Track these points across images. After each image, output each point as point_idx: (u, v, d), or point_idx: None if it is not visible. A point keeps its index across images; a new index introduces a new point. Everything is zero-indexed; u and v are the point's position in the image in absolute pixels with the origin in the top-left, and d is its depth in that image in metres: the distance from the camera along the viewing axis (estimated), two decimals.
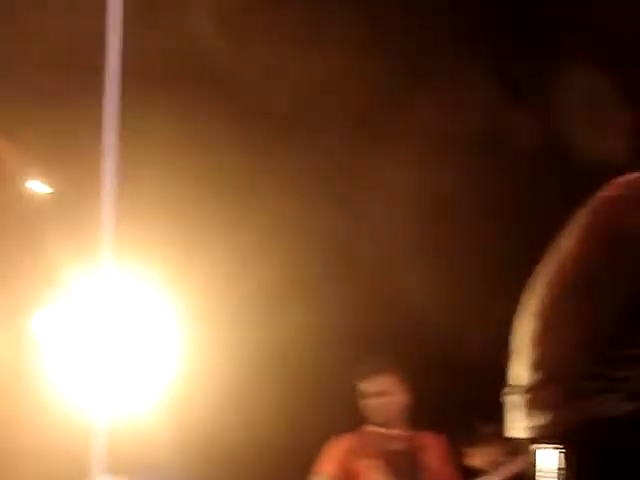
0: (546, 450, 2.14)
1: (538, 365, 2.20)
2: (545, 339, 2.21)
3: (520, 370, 2.27)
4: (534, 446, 2.19)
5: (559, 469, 2.11)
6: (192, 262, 5.03)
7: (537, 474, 2.17)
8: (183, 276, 5.11)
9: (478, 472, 4.83)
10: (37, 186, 5.16)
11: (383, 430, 4.55)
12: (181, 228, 5.03)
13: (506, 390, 2.27)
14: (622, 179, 2.23)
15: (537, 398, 2.18)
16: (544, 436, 2.15)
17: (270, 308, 5.23)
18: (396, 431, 4.54)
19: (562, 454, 2.10)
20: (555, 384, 2.15)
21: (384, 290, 5.32)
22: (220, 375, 5.14)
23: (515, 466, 4.44)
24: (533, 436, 2.17)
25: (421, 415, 4.73)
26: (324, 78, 4.50)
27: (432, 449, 4.55)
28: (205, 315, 5.18)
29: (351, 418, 4.78)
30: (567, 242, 2.27)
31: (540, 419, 2.15)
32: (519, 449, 2.25)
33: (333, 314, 5.21)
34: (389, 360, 4.63)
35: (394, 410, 4.54)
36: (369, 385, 4.55)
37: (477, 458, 4.92)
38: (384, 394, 4.54)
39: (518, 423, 2.22)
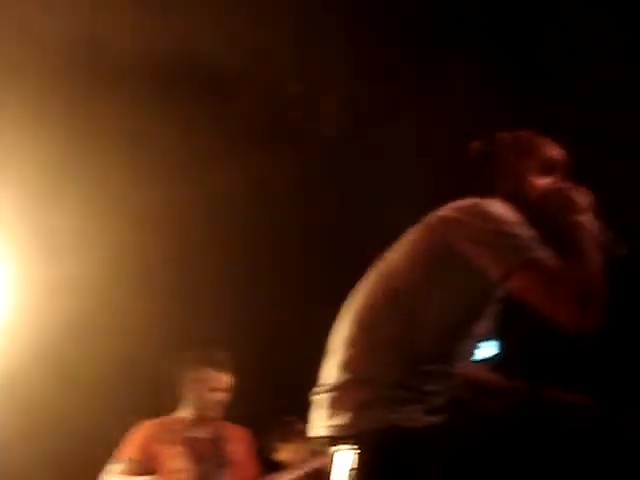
0: (342, 451, 2.18)
1: (346, 366, 2.23)
2: (358, 342, 2.24)
3: (330, 370, 2.29)
4: (333, 445, 2.22)
5: (351, 470, 2.14)
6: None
7: (333, 473, 2.20)
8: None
9: (283, 467, 4.86)
10: None
11: (189, 417, 4.48)
12: None
13: (314, 389, 2.33)
14: (459, 203, 2.33)
15: (339, 398, 2.25)
16: (342, 437, 2.23)
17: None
18: (202, 419, 4.49)
19: (356, 456, 2.18)
20: (360, 386, 2.22)
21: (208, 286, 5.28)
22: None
23: (316, 464, 4.50)
24: (332, 435, 2.25)
25: (233, 405, 4.72)
26: None
27: (237, 440, 4.54)
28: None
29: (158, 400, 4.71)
30: (395, 255, 2.31)
31: (339, 419, 2.23)
32: (320, 447, 2.32)
33: (162, 301, 5.12)
34: (230, 356, 4.57)
35: (224, 406, 4.53)
36: (213, 377, 4.48)
37: (284, 453, 4.95)
38: (224, 390, 4.49)
39: (319, 422, 2.28)
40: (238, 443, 4.53)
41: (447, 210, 2.32)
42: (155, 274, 5.05)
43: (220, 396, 4.43)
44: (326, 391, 2.29)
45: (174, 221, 4.91)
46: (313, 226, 4.97)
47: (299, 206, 4.93)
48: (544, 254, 2.16)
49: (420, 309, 2.26)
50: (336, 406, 2.24)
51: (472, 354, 2.46)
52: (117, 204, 4.70)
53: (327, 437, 2.26)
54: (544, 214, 2.38)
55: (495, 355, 6.07)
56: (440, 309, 2.27)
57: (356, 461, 2.17)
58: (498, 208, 2.26)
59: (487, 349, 6.00)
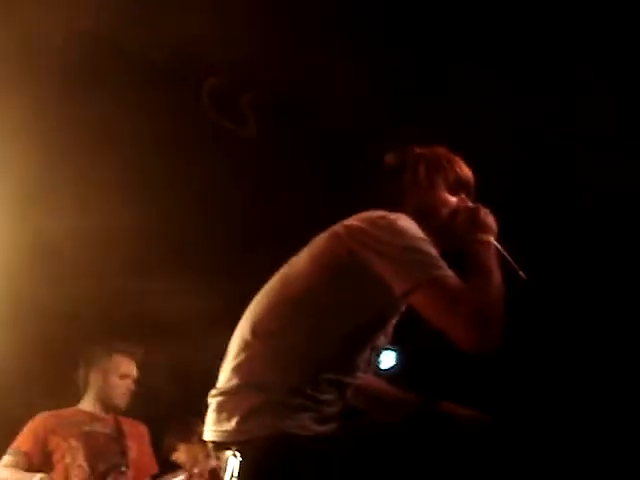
0: (230, 455, 2.22)
1: (237, 370, 2.25)
2: (252, 347, 2.26)
3: (224, 373, 2.30)
4: (222, 450, 2.24)
5: (234, 476, 2.15)
6: None
7: (224, 477, 2.21)
8: None
9: (177, 467, 4.85)
10: None
11: (90, 410, 4.42)
12: None
13: (211, 392, 2.32)
14: (367, 214, 2.34)
15: (227, 403, 2.25)
16: (228, 442, 2.22)
17: None
18: (103, 413, 4.46)
19: (240, 462, 2.19)
20: (249, 392, 2.22)
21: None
22: None
23: (206, 466, 4.50)
24: (219, 441, 2.25)
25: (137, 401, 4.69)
26: None
27: (136, 437, 4.52)
28: None
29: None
30: (299, 261, 2.33)
31: (226, 425, 2.22)
32: (214, 451, 2.32)
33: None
34: (134, 344, 4.59)
35: (129, 396, 4.51)
36: (122, 363, 4.47)
37: (181, 454, 4.94)
38: (132, 379, 4.49)
39: (209, 426, 2.29)
40: (137, 440, 4.49)
41: (354, 220, 2.31)
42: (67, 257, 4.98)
43: (128, 384, 4.41)
44: (217, 395, 2.28)
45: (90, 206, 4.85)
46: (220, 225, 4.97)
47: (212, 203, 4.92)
48: (449, 273, 2.18)
49: (321, 317, 2.26)
50: (224, 411, 2.23)
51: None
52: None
53: (215, 442, 2.26)
54: (451, 231, 2.41)
55: (393, 366, 6.17)
56: (342, 318, 2.26)
57: (238, 469, 2.17)
58: (406, 222, 2.26)
59: (385, 360, 6.13)
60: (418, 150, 2.54)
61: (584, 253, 5.35)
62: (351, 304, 2.27)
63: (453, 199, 2.48)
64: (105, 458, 4.29)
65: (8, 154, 4.47)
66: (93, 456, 4.26)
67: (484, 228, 2.37)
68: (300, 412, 2.20)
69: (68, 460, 4.22)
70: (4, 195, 4.67)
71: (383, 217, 2.27)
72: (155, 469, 4.59)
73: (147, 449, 4.56)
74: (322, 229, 2.41)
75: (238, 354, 2.29)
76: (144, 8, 4.04)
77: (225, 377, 2.30)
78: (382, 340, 2.43)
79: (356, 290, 2.26)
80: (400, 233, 2.22)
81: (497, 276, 2.23)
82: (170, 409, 5.14)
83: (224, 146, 4.62)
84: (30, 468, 4.20)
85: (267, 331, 2.29)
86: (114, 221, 4.79)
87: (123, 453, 4.34)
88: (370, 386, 2.63)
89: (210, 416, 2.28)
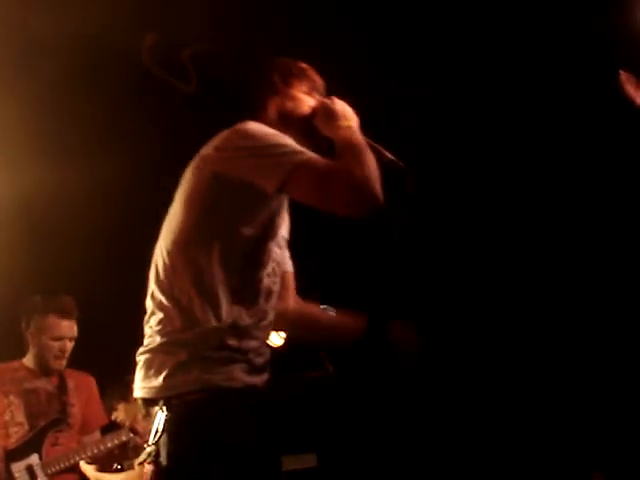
0: (157, 412, 2.25)
1: (158, 328, 2.29)
2: (164, 305, 2.29)
3: (146, 331, 2.35)
4: (151, 407, 2.29)
5: (156, 433, 2.21)
6: None
7: (151, 434, 2.25)
8: None
9: (117, 426, 4.84)
10: None
11: (33, 367, 4.34)
12: None
13: (139, 350, 2.35)
14: (216, 136, 2.38)
15: (153, 360, 2.28)
16: (154, 399, 2.25)
17: None
18: (44, 369, 4.35)
19: (167, 416, 2.22)
20: (173, 349, 2.24)
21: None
22: None
23: (147, 425, 4.50)
24: (146, 397, 2.28)
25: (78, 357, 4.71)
26: None
27: (80, 389, 4.46)
28: None
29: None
30: (175, 209, 2.39)
31: (153, 381, 2.25)
32: (143, 407, 2.35)
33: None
34: (74, 302, 4.42)
35: (66, 355, 4.39)
36: (55, 325, 4.31)
37: (121, 413, 4.92)
38: (69, 339, 4.36)
39: (137, 383, 2.32)
40: (83, 393, 4.45)
41: (207, 147, 2.36)
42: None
43: (62, 345, 4.31)
44: (144, 352, 2.30)
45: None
46: None
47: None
48: (312, 155, 2.26)
49: (211, 255, 2.27)
50: (152, 367, 2.25)
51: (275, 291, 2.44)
52: None
53: (143, 399, 2.28)
54: (315, 129, 2.49)
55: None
56: (232, 241, 2.28)
57: (163, 424, 2.20)
58: (254, 125, 2.32)
59: None
60: (269, 61, 2.62)
61: None
62: (235, 223, 2.28)
63: (310, 100, 2.55)
64: (45, 415, 4.26)
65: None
66: (33, 413, 4.23)
67: (343, 117, 2.44)
68: (228, 364, 2.23)
69: (7, 417, 4.19)
70: None
71: (231, 131, 2.32)
72: (104, 420, 4.53)
73: (94, 401, 4.50)
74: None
75: (154, 312, 2.31)
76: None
77: (148, 333, 2.32)
78: (278, 253, 2.44)
79: (234, 207, 2.28)
80: (253, 136, 2.28)
81: (363, 148, 2.31)
82: (110, 366, 5.14)
83: None
84: None
85: (170, 287, 2.29)
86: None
87: (64, 410, 4.30)
88: (306, 313, 2.69)
89: (138, 373, 2.30)
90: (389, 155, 2.44)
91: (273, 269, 2.39)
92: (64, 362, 4.35)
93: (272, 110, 2.50)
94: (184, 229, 2.32)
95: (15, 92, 4.55)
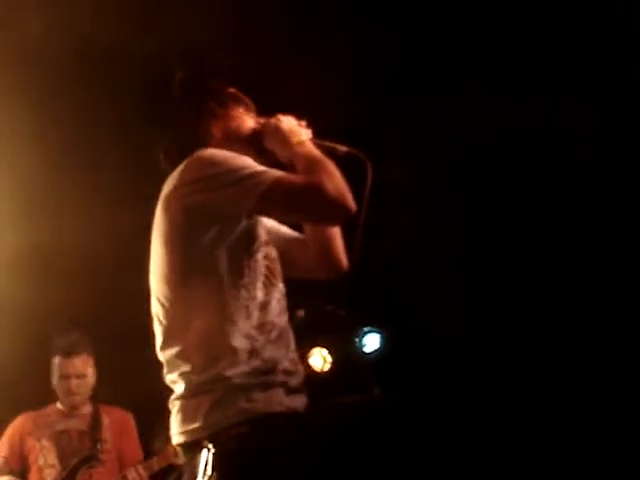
0: (202, 450, 2.13)
1: (182, 373, 2.21)
2: (186, 353, 2.21)
3: (171, 377, 2.26)
4: (193, 451, 2.17)
5: (206, 470, 2.10)
6: None
7: (199, 475, 2.13)
8: None
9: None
10: None
11: (63, 408, 4.35)
12: None
13: (170, 398, 2.26)
14: (175, 172, 2.29)
15: (190, 403, 2.18)
16: (200, 437, 2.14)
17: None
18: (78, 409, 4.38)
19: (213, 454, 2.11)
20: (207, 386, 2.15)
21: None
22: None
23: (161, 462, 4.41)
24: (190, 439, 2.17)
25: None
26: None
27: (115, 427, 4.42)
28: None
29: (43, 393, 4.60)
30: (155, 254, 2.31)
31: (195, 422, 2.15)
32: (183, 454, 2.23)
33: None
34: (82, 338, 4.42)
35: (84, 392, 4.39)
36: (61, 365, 4.34)
37: (158, 443, 4.83)
38: (76, 376, 4.34)
39: (177, 428, 2.21)
40: (117, 430, 4.41)
41: (168, 185, 2.30)
42: None
43: (69, 383, 4.31)
44: (176, 399, 2.23)
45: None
46: None
47: None
48: (278, 173, 2.22)
49: (208, 284, 2.21)
50: (187, 411, 2.18)
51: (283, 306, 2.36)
52: None
53: (184, 443, 2.19)
54: (264, 148, 2.44)
55: (377, 349, 6.16)
56: (222, 270, 2.21)
57: (212, 461, 2.10)
58: (211, 151, 2.28)
59: (370, 343, 6.11)
60: (201, 86, 2.54)
61: None
62: (219, 246, 2.22)
63: (250, 119, 2.50)
64: (77, 454, 4.25)
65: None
66: (65, 454, 4.24)
67: (292, 133, 2.40)
68: (265, 389, 2.16)
69: (41, 462, 4.22)
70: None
71: (189, 162, 2.26)
72: (140, 456, 4.47)
73: (130, 437, 4.46)
74: None
75: (172, 360, 2.24)
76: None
77: (174, 382, 2.24)
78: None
79: (213, 234, 2.21)
80: (212, 163, 2.23)
81: (323, 160, 2.28)
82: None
83: None
84: (10, 472, 4.22)
85: (182, 333, 2.22)
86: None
87: (96, 447, 4.28)
88: None
89: (175, 419, 2.23)
90: (343, 148, 2.43)
91: (267, 277, 2.31)
92: (77, 398, 4.34)
93: (217, 133, 2.42)
94: (173, 270, 2.24)
95: (30, 151, 4.53)
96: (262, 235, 2.33)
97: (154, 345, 2.30)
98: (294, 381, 2.24)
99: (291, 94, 3.90)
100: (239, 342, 2.17)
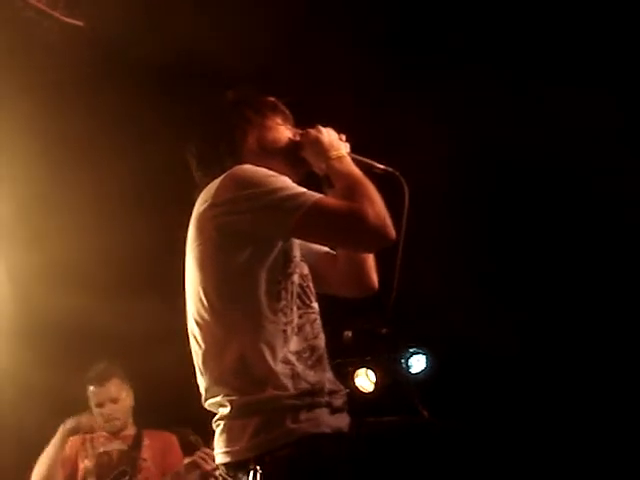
0: (249, 472, 2.11)
1: (225, 395, 2.18)
2: (223, 371, 2.19)
3: (211, 401, 2.24)
4: (241, 469, 2.14)
5: None
6: None
7: None
8: None
9: None
10: None
11: (104, 432, 4.41)
12: None
13: (214, 419, 2.24)
14: (206, 190, 2.26)
15: (234, 423, 2.17)
16: (246, 458, 2.12)
17: None
18: (120, 431, 4.43)
19: (260, 476, 2.09)
20: (250, 408, 2.14)
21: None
22: None
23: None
24: (236, 459, 2.15)
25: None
26: None
27: (156, 447, 4.44)
28: None
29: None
30: (191, 272, 2.28)
31: (240, 442, 2.13)
32: (227, 474, 2.21)
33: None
34: (110, 365, 4.49)
35: (122, 416, 4.43)
36: (94, 394, 4.39)
37: None
38: (110, 401, 4.39)
39: (222, 448, 2.19)
40: (158, 450, 4.43)
41: (202, 202, 2.26)
42: None
43: (104, 410, 4.36)
44: (220, 419, 2.21)
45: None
46: None
47: None
48: (317, 196, 2.17)
49: (247, 306, 2.18)
50: (232, 431, 2.16)
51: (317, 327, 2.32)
52: None
53: (229, 463, 2.17)
54: (302, 159, 2.40)
55: (423, 369, 6.11)
56: (260, 291, 2.18)
57: None
58: (247, 169, 2.22)
59: (416, 364, 6.07)
60: (239, 96, 2.51)
61: None
62: (257, 267, 2.18)
63: (287, 130, 2.46)
64: (114, 471, 4.31)
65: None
66: (103, 473, 4.30)
67: (332, 147, 2.36)
68: (312, 409, 2.14)
69: None
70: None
71: (224, 179, 2.21)
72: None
73: (173, 456, 4.45)
74: None
75: (212, 384, 2.22)
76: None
77: (217, 404, 2.21)
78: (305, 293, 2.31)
79: (249, 255, 2.17)
80: (250, 182, 2.17)
81: (364, 182, 2.23)
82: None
83: None
84: None
85: (218, 353, 2.20)
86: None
87: (134, 465, 4.32)
88: None
89: (219, 439, 2.20)
90: (380, 166, 2.40)
91: (301, 299, 2.27)
92: (117, 423, 4.39)
93: (252, 143, 2.39)
94: (210, 292, 2.21)
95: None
96: (297, 255, 2.29)
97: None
98: (338, 401, 2.22)
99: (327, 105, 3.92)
100: (280, 367, 2.14)
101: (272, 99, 2.50)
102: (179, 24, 4.16)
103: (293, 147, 2.42)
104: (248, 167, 2.24)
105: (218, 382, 2.18)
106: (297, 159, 2.40)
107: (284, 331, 2.18)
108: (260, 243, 2.18)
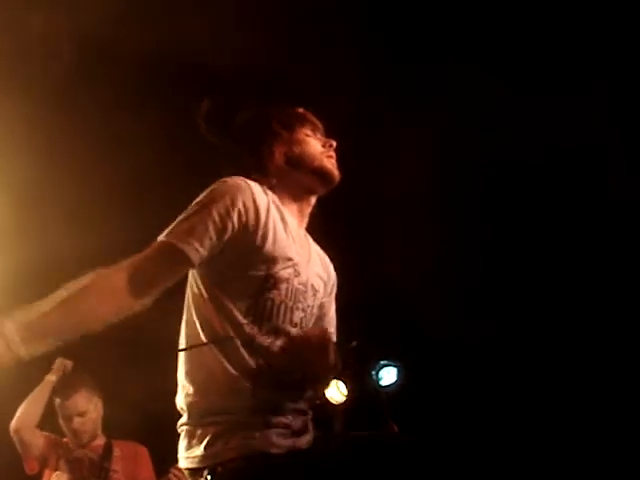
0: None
1: (192, 401, 2.21)
2: (198, 380, 2.21)
3: (180, 402, 2.27)
4: (197, 476, 2.17)
5: None
6: None
7: None
8: None
9: None
10: None
11: (74, 440, 4.37)
12: None
13: (179, 423, 2.27)
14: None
15: (194, 430, 2.20)
16: (202, 466, 2.15)
17: None
18: (88, 443, 4.38)
19: None
20: (213, 417, 2.16)
21: None
22: None
23: None
24: (193, 466, 2.18)
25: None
26: None
27: (127, 459, 4.40)
28: None
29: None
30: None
31: (197, 450, 2.16)
32: (189, 477, 2.24)
33: None
34: (80, 375, 4.44)
35: (89, 429, 4.38)
36: (60, 408, 4.34)
37: None
38: (78, 415, 4.33)
39: (183, 453, 2.22)
40: (128, 462, 4.39)
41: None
42: None
43: (77, 423, 4.31)
44: (184, 424, 2.24)
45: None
46: None
47: None
48: (169, 241, 2.15)
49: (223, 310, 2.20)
50: (193, 437, 2.19)
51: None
52: None
53: (188, 469, 2.20)
54: (326, 175, 2.42)
55: (393, 382, 6.11)
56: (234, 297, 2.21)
57: None
58: (221, 185, 2.24)
59: (386, 376, 6.06)
60: (267, 110, 2.53)
61: None
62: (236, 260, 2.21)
63: (316, 141, 2.46)
64: None
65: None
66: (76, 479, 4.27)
67: None
68: (265, 429, 2.14)
69: None
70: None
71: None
72: None
73: (144, 468, 4.43)
74: None
75: (185, 385, 2.24)
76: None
77: (184, 407, 2.24)
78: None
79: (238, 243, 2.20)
80: (204, 195, 2.23)
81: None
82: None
83: None
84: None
85: (201, 365, 2.22)
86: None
87: (106, 476, 4.28)
88: None
89: (181, 444, 2.24)
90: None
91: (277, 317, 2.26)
92: (84, 436, 4.34)
93: (279, 157, 2.41)
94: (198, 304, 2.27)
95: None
96: (284, 273, 2.26)
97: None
98: (298, 423, 2.21)
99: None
100: (240, 382, 2.15)
101: (301, 110, 2.52)
102: (173, 23, 4.19)
103: (319, 162, 2.42)
104: (223, 182, 2.24)
105: (184, 378, 2.22)
106: (324, 174, 2.40)
107: (248, 346, 2.18)
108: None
